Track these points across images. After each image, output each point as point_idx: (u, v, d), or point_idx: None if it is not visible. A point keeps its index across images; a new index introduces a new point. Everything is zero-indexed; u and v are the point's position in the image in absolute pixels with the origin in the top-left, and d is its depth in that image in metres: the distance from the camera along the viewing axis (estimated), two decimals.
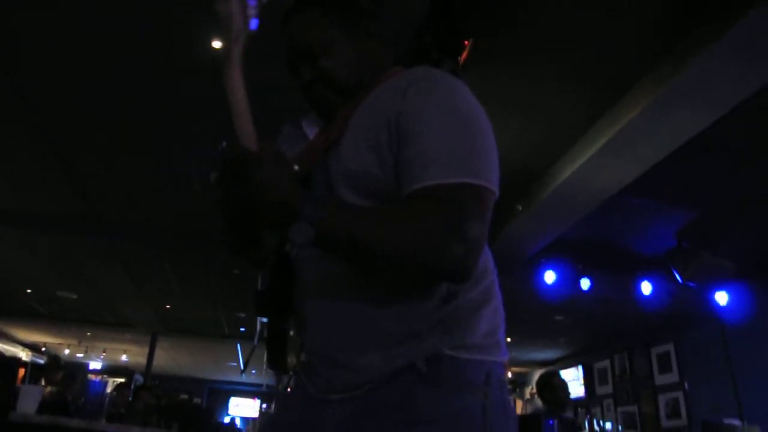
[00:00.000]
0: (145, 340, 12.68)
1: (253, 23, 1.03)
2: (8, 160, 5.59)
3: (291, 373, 1.15)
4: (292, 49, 1.19)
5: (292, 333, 1.13)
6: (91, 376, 15.77)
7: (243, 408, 18.83)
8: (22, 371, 10.36)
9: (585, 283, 6.65)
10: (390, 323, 1.01)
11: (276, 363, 1.10)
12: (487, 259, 1.13)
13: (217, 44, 3.84)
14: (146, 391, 5.34)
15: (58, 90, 4.44)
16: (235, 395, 19.38)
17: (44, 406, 4.21)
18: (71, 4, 3.56)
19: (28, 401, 2.33)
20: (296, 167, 0.94)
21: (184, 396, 13.71)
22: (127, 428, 2.42)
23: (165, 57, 3.99)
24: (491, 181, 1.01)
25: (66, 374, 5.68)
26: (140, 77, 4.22)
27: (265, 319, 1.13)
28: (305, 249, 0.98)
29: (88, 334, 13.85)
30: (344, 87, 1.16)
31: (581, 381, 11.03)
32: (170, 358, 15.29)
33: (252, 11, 1.03)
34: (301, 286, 1.11)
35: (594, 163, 4.65)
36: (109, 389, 15.35)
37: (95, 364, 17.40)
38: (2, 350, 13.97)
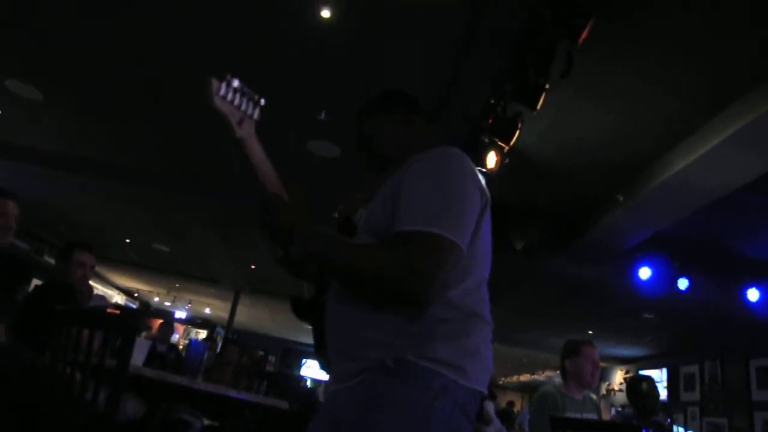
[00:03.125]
0: (229, 296, 13.27)
1: (255, 113, 1.53)
2: (120, 120, 5.88)
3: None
4: (357, 132, 1.64)
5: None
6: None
7: (314, 370, 19.44)
8: (117, 313, 11.05)
9: (683, 283, 6.25)
10: (370, 331, 1.27)
11: (320, 355, 1.44)
12: (462, 301, 1.30)
13: (325, 13, 3.82)
14: (234, 345, 5.51)
15: (167, 53, 4.58)
16: (307, 357, 20.02)
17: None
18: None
19: (138, 354, 2.45)
20: (336, 213, 1.50)
21: (261, 353, 14.27)
22: (224, 388, 2.50)
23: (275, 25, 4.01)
24: (452, 233, 1.23)
25: (164, 324, 5.89)
26: (251, 42, 4.27)
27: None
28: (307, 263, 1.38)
29: (177, 285, 14.66)
30: (385, 162, 1.56)
31: (664, 384, 10.50)
32: (250, 315, 15.94)
33: (249, 108, 1.50)
34: (328, 297, 1.41)
35: (714, 156, 4.29)
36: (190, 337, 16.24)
37: (180, 314, 18.46)
38: (103, 293, 15.04)
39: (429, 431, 1.19)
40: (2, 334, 2.53)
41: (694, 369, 9.81)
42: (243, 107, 1.50)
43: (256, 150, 1.61)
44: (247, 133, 1.56)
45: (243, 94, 1.48)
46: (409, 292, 1.20)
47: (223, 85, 1.43)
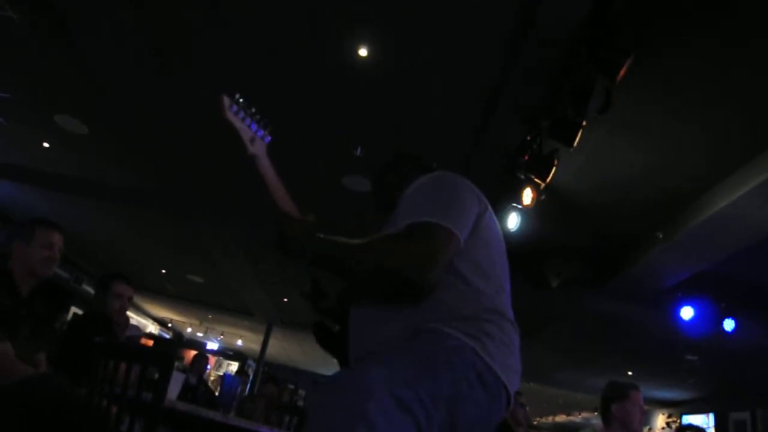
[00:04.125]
0: (261, 328, 13.28)
1: (267, 138, 1.70)
2: (160, 154, 6.04)
3: None
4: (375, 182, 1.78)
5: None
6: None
7: None
8: (150, 343, 11.17)
9: (729, 324, 6.01)
10: (389, 330, 1.28)
11: None
12: (479, 297, 1.32)
13: (362, 52, 3.89)
14: (273, 383, 5.46)
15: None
16: None
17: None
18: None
19: (172, 387, 2.45)
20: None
21: (292, 386, 14.20)
22: (258, 425, 2.48)
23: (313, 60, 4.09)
24: (447, 221, 1.30)
25: (198, 357, 5.91)
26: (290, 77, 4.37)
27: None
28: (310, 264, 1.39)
29: (210, 316, 14.77)
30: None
31: (712, 431, 10.01)
32: (281, 347, 15.92)
33: (258, 128, 1.67)
34: (350, 314, 1.44)
35: (756, 195, 4.17)
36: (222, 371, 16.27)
37: (212, 345, 18.54)
38: (137, 323, 15.25)
39: (437, 375, 1.15)
40: (43, 363, 2.57)
41: (745, 416, 9.31)
42: (253, 127, 1.67)
43: (268, 168, 1.70)
44: (259, 151, 1.69)
45: (251, 114, 1.67)
46: (409, 276, 1.24)
47: (233, 102, 1.61)
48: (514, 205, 4.50)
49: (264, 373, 11.05)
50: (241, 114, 1.63)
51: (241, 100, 1.63)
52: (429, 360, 1.17)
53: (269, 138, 1.71)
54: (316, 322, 1.63)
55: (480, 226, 1.39)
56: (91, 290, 11.59)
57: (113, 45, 4.37)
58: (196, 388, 4.95)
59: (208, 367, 14.88)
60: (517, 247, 5.27)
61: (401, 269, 1.25)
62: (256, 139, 1.68)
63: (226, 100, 1.61)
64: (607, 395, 2.95)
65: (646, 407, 12.81)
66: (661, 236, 5.35)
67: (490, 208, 1.49)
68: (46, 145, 6.42)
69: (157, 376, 2.11)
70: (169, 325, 17.62)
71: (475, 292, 1.31)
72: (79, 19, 4.15)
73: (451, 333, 1.21)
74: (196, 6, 3.81)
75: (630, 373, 9.92)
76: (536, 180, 4.15)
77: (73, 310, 11.05)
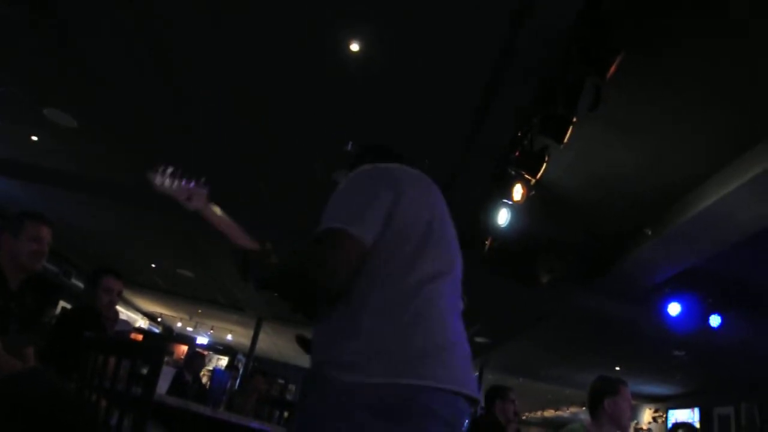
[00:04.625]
0: (251, 323, 13.26)
1: (203, 188, 1.82)
2: (149, 148, 6.01)
3: None
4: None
5: None
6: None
7: None
8: (140, 338, 11.11)
9: (715, 320, 6.08)
10: (315, 337, 1.38)
11: None
12: (383, 296, 1.29)
13: (354, 47, 3.88)
14: (261, 375, 5.48)
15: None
16: None
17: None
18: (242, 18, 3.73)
19: (162, 382, 2.45)
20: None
21: (281, 381, 14.19)
22: (248, 419, 2.48)
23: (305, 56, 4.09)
24: (348, 224, 1.29)
25: (196, 355, 5.90)
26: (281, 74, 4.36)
27: None
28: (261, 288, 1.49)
29: (199, 311, 14.73)
30: None
31: (696, 425, 10.11)
32: (271, 342, 15.90)
33: (191, 185, 1.81)
34: None
35: (746, 192, 4.21)
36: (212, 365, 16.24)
37: (202, 339, 18.49)
38: (127, 317, 15.17)
39: None
40: (31, 357, 2.55)
41: (728, 410, 9.41)
42: (186, 187, 1.83)
43: (213, 215, 1.83)
44: (200, 204, 1.83)
45: (178, 176, 1.84)
46: (312, 283, 1.27)
47: (158, 175, 1.82)
48: (505, 201, 4.52)
49: (252, 367, 11.04)
50: (168, 181, 1.82)
51: (168, 169, 1.83)
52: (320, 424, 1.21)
53: (206, 186, 1.85)
54: (298, 333, 1.76)
55: (394, 218, 1.33)
56: (79, 284, 11.51)
57: (105, 39, 4.33)
58: (187, 383, 4.95)
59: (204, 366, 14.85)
60: (507, 243, 5.31)
61: (306, 275, 1.27)
62: (193, 194, 1.83)
63: (151, 176, 1.82)
64: (598, 390, 2.96)
65: (633, 402, 12.96)
66: (649, 233, 5.39)
67: (415, 188, 1.43)
68: (34, 138, 6.36)
69: (146, 370, 2.11)
70: (159, 319, 17.54)
71: (382, 296, 1.28)
72: (70, 12, 4.12)
73: (335, 377, 1.21)
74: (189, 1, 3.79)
75: (618, 368, 10.00)
76: (527, 176, 4.17)
77: (62, 304, 10.98)
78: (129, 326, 4.60)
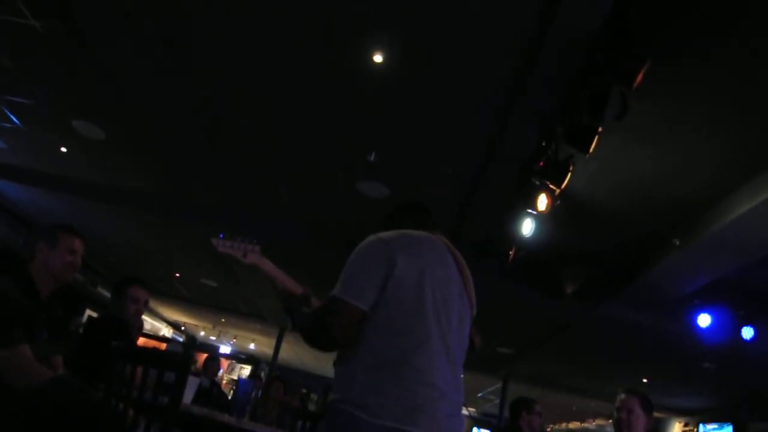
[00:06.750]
0: (273, 332, 13.32)
1: (255, 246, 2.13)
2: (175, 159, 6.09)
3: None
4: None
5: None
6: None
7: None
8: (164, 346, 11.22)
9: (747, 332, 5.92)
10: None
11: None
12: (380, 350, 1.58)
13: (377, 58, 3.90)
14: (279, 381, 5.48)
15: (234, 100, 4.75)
16: None
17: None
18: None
19: (187, 391, 2.46)
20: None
21: (304, 390, 14.16)
22: (272, 430, 2.48)
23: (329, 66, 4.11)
24: (346, 294, 1.61)
25: (210, 360, 5.93)
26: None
27: None
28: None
29: (223, 320, 14.84)
30: None
31: None
32: (293, 352, 15.93)
33: (246, 243, 2.11)
34: None
35: None
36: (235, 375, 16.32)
37: (225, 348, 18.61)
38: (152, 327, 15.36)
39: None
40: (59, 366, 2.58)
41: (766, 427, 9.11)
42: (242, 246, 2.11)
43: (268, 268, 2.12)
44: (255, 259, 2.12)
45: (234, 237, 2.12)
46: (316, 342, 1.68)
47: (219, 240, 2.11)
48: (529, 211, 4.47)
49: (271, 374, 11.04)
50: (228, 243, 2.11)
51: (222, 235, 2.13)
52: None
53: (258, 245, 2.15)
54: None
55: (389, 286, 1.61)
56: (105, 293, 11.68)
57: (131, 54, 4.42)
58: (210, 391, 4.97)
59: (221, 370, 14.96)
60: (531, 253, 5.25)
61: (313, 334, 1.67)
62: (248, 251, 2.11)
63: (213, 241, 2.13)
64: (645, 405, 2.90)
65: (661, 415, 12.68)
66: (678, 243, 5.28)
67: (407, 259, 1.66)
68: (63, 150, 6.50)
69: (173, 380, 2.12)
70: (182, 328, 17.72)
71: (376, 352, 1.57)
72: (96, 26, 4.21)
73: (344, 409, 1.50)
74: (213, 10, 3.84)
75: (645, 380, 9.81)
76: (551, 186, 4.12)
77: (88, 312, 11.15)
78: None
